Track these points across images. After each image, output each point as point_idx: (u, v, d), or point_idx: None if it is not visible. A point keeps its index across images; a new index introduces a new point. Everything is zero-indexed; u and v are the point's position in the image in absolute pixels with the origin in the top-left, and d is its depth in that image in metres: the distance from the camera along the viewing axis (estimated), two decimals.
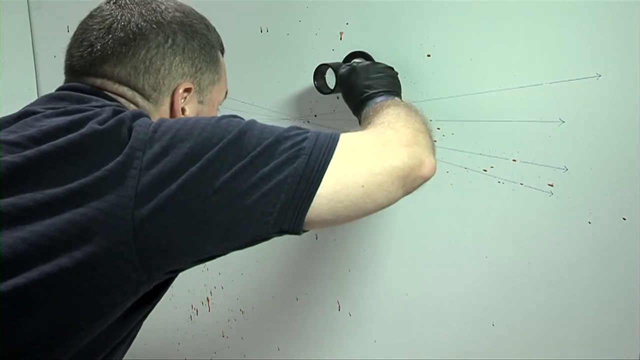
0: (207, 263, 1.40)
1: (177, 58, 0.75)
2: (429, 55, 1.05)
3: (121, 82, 0.73)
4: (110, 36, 0.73)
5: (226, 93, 0.86)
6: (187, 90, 0.77)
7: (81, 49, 0.75)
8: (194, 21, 0.78)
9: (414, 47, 1.06)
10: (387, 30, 1.08)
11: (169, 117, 0.76)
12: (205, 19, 0.82)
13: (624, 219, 0.92)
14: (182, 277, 1.42)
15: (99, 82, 0.73)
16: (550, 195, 0.97)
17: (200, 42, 0.78)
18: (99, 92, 0.72)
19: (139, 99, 0.74)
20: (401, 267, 1.14)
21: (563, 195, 0.96)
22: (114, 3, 0.77)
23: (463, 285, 1.08)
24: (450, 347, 1.11)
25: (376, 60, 1.07)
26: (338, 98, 1.15)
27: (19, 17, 1.56)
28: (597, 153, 0.93)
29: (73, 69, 0.75)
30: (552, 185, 0.97)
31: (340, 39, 1.13)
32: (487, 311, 1.06)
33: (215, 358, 1.41)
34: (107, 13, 0.75)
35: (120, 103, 0.72)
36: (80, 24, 0.78)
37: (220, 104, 0.85)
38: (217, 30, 0.87)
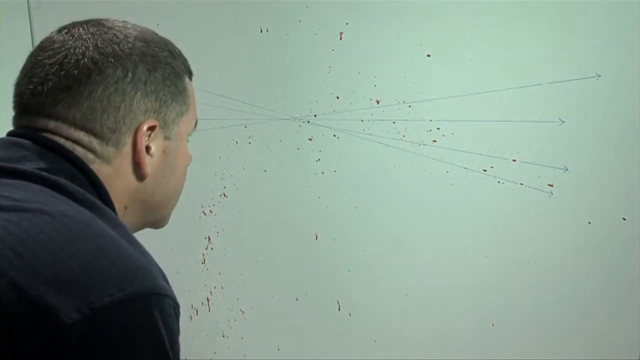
0: (207, 263, 1.41)
1: (138, 93, 0.68)
2: (429, 55, 1.05)
3: (76, 126, 0.67)
4: (63, 73, 0.66)
5: (196, 122, 0.80)
6: (151, 128, 0.70)
7: (31, 86, 0.68)
8: (156, 49, 0.71)
9: (414, 47, 1.06)
10: (387, 30, 1.08)
11: (132, 158, 0.70)
12: (170, 44, 0.75)
13: (624, 219, 0.92)
14: (182, 277, 1.42)
15: (52, 124, 0.67)
16: (550, 195, 0.97)
17: (164, 73, 0.71)
18: (54, 144, 0.65)
19: (96, 145, 0.67)
20: (401, 267, 1.14)
21: (563, 195, 0.96)
22: (66, 32, 0.70)
23: (463, 285, 1.08)
24: (450, 347, 1.11)
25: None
26: (338, 98, 1.15)
27: (19, 17, 1.56)
28: (597, 153, 0.93)
29: (24, 108, 0.69)
30: (552, 185, 0.97)
31: (340, 39, 1.13)
32: (487, 311, 1.06)
33: (215, 358, 1.42)
34: (59, 45, 0.68)
35: (77, 156, 0.66)
36: (29, 57, 0.71)
37: (189, 135, 0.78)
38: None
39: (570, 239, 0.97)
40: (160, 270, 0.60)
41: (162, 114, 0.71)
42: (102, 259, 0.55)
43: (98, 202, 0.63)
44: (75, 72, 0.66)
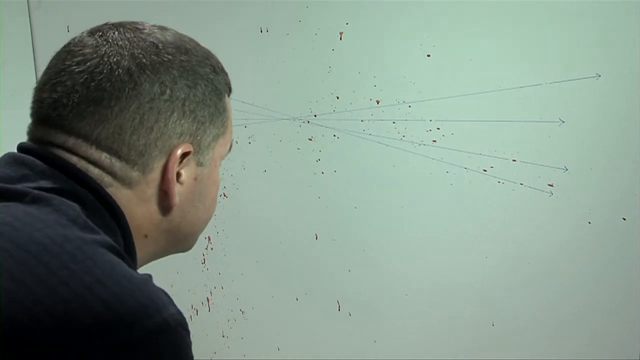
0: (207, 263, 1.40)
1: (175, 114, 0.60)
2: (429, 55, 1.05)
3: (99, 146, 0.58)
4: (93, 84, 0.58)
5: (231, 145, 0.71)
6: (185, 154, 0.62)
7: (54, 95, 0.59)
8: (198, 63, 0.64)
9: (414, 47, 1.06)
10: (387, 30, 1.08)
11: (159, 185, 0.61)
12: (212, 57, 0.67)
13: (624, 219, 0.92)
14: (182, 277, 1.42)
15: (71, 142, 0.58)
16: (550, 195, 0.97)
17: (205, 91, 0.63)
18: (64, 163, 0.58)
19: (117, 168, 0.59)
20: (401, 267, 1.14)
21: (563, 195, 0.96)
22: (100, 36, 0.61)
23: (463, 286, 1.08)
24: (450, 347, 1.11)
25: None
26: (338, 98, 1.15)
27: (19, 17, 1.56)
28: (597, 153, 0.93)
29: (42, 118, 0.60)
30: (552, 185, 0.97)
31: (340, 39, 1.13)
32: (487, 311, 1.06)
33: (215, 358, 1.42)
34: (90, 50, 0.59)
35: (90, 177, 0.58)
36: (55, 58, 0.62)
37: (223, 159, 0.69)
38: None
39: (570, 239, 0.97)
40: (165, 293, 0.52)
41: (198, 138, 0.63)
42: (93, 301, 0.46)
43: (89, 222, 0.54)
44: (108, 84, 0.58)
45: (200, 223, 0.69)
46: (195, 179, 0.64)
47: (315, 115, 1.19)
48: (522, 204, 1.00)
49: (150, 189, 0.61)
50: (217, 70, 0.66)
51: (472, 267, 1.06)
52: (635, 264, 0.92)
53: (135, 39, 0.61)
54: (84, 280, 0.46)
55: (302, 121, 1.21)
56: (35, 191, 0.54)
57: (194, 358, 0.52)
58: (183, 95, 0.61)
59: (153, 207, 0.62)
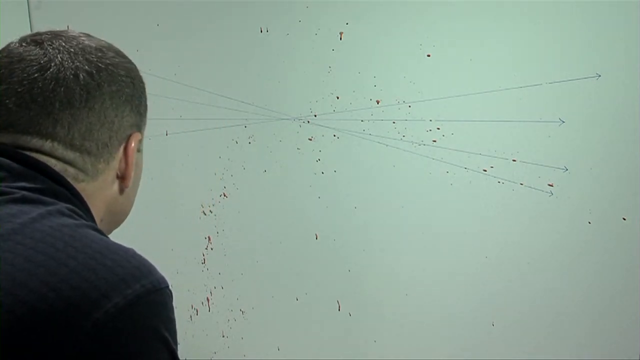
0: (207, 263, 1.41)
1: (127, 107, 0.68)
2: (429, 55, 1.05)
3: (73, 147, 0.64)
4: (62, 89, 0.63)
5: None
6: (138, 141, 0.71)
7: (24, 103, 0.62)
8: (130, 64, 0.71)
9: (414, 47, 1.06)
10: (387, 30, 1.08)
11: (123, 171, 0.69)
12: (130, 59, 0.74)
13: (624, 219, 0.92)
14: (182, 277, 1.42)
15: (47, 146, 0.63)
16: (550, 195, 0.97)
17: (140, 86, 0.71)
18: (44, 166, 0.62)
19: (89, 165, 0.65)
20: (401, 267, 1.14)
21: (563, 195, 0.96)
22: (49, 44, 0.65)
23: (463, 286, 1.08)
24: (450, 347, 1.11)
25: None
26: (338, 98, 1.15)
27: (19, 17, 1.56)
28: (597, 153, 0.93)
29: (9, 125, 0.63)
30: (552, 185, 0.97)
31: (340, 39, 1.13)
32: (487, 311, 1.06)
33: (215, 358, 1.42)
34: (46, 59, 0.64)
35: (66, 178, 0.63)
36: (3, 67, 0.64)
37: None
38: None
39: (570, 239, 0.97)
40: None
41: (139, 127, 0.71)
42: (98, 268, 0.53)
43: (73, 214, 0.60)
44: (77, 88, 0.64)
45: (131, 205, 0.76)
46: (136, 164, 0.72)
47: (315, 115, 1.19)
48: (522, 204, 1.00)
49: (110, 175, 0.68)
50: (136, 68, 0.73)
51: (471, 267, 1.06)
52: (635, 264, 0.92)
53: (81, 45, 0.66)
54: (87, 253, 0.53)
55: (302, 121, 1.21)
56: (23, 191, 0.59)
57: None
58: (129, 91, 0.69)
59: (109, 191, 0.69)
